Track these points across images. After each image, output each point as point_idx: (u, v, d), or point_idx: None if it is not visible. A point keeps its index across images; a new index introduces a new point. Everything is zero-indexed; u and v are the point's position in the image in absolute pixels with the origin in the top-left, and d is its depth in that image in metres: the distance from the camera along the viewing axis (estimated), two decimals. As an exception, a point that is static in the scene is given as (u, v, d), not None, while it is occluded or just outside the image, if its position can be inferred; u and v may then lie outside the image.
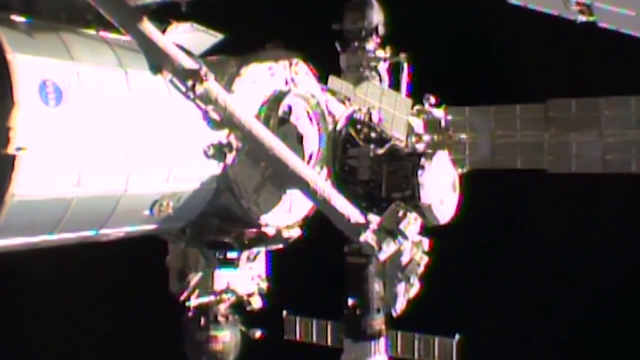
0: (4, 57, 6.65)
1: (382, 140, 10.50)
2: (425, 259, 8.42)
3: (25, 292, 19.27)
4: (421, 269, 8.44)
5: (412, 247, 8.33)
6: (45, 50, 7.09)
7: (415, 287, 8.79)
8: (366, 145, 10.37)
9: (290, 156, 7.89)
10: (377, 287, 12.25)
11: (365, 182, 10.12)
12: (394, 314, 9.27)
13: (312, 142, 9.96)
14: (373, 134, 10.67)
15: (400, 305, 8.83)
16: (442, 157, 9.98)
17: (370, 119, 10.83)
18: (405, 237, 8.06)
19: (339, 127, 10.48)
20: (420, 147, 12.98)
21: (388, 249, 7.91)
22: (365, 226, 7.90)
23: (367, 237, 7.84)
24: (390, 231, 7.98)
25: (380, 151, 10.21)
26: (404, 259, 8.27)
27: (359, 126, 10.65)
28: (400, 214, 8.13)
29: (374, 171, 10.09)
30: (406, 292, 8.75)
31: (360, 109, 10.96)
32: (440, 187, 9.81)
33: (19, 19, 7.37)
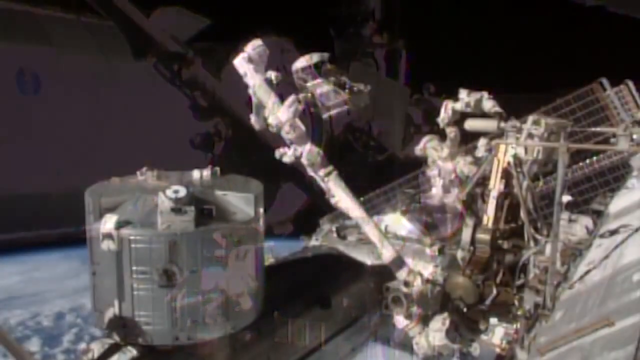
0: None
1: (381, 148, 10.51)
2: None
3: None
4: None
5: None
6: (24, 37, 7.09)
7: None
8: (365, 152, 10.39)
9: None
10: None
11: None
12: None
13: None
14: (372, 143, 10.67)
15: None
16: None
17: (370, 128, 10.84)
18: None
19: (336, 132, 10.50)
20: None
21: None
22: None
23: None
24: None
25: (380, 158, 10.23)
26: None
27: (357, 134, 10.66)
28: None
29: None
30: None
31: (360, 119, 10.99)
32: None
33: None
